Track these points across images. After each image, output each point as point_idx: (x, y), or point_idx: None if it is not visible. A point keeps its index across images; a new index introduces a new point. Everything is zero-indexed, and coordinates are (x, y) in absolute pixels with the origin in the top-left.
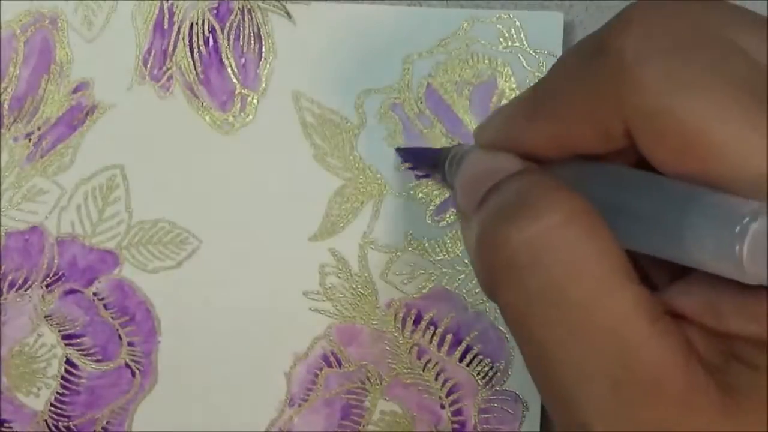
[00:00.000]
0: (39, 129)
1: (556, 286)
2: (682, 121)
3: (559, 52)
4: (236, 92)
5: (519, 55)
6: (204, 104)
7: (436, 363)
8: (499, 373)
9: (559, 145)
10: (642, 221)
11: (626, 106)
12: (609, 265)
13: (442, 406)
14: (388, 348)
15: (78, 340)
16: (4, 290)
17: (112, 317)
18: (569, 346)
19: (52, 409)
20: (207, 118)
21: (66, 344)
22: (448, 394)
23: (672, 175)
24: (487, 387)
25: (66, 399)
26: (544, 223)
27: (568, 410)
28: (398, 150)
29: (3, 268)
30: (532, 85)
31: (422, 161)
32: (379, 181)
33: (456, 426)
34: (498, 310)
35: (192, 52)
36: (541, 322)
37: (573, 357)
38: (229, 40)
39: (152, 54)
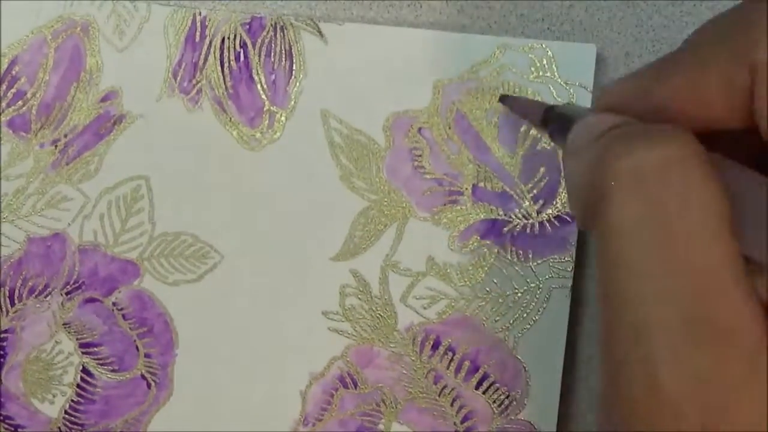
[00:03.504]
0: (66, 136)
1: (664, 211)
2: None
3: (590, 85)
4: (265, 109)
5: (549, 85)
6: (232, 119)
7: (453, 389)
8: (515, 403)
9: (684, 104)
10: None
11: (754, 54)
12: (718, 211)
13: None
14: (404, 372)
15: (95, 349)
16: (24, 296)
17: (130, 328)
18: (654, 271)
19: (66, 416)
20: (234, 133)
21: (83, 352)
22: (463, 420)
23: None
24: (503, 416)
25: (80, 407)
26: (669, 151)
27: (631, 336)
28: (503, 98)
29: (24, 273)
30: None
31: (527, 113)
32: (404, 204)
33: None
34: (517, 339)
35: (222, 66)
36: (634, 241)
37: (655, 282)
38: (260, 56)
39: (182, 66)
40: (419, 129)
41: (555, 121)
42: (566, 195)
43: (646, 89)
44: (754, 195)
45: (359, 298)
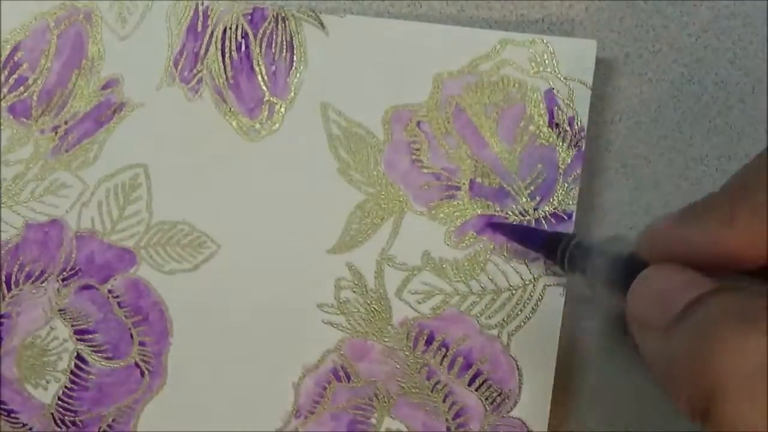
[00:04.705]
0: (66, 123)
1: None
2: None
3: (590, 81)
4: (264, 100)
5: (550, 81)
6: (232, 109)
7: (445, 385)
8: (507, 400)
9: (729, 251)
10: None
11: None
12: None
13: (449, 429)
14: (398, 366)
15: (90, 336)
16: (20, 281)
17: (125, 316)
18: None
19: (60, 403)
20: (234, 123)
21: (78, 339)
22: (455, 417)
23: None
24: (495, 413)
25: (74, 394)
26: None
27: None
28: (492, 225)
29: (21, 259)
30: (712, 192)
31: (522, 239)
32: (401, 198)
33: None
34: (510, 336)
35: (224, 56)
36: None
37: None
38: (261, 47)
39: (184, 56)
40: (418, 123)
41: (571, 251)
42: (662, 377)
43: (714, 235)
44: None
45: (354, 292)
